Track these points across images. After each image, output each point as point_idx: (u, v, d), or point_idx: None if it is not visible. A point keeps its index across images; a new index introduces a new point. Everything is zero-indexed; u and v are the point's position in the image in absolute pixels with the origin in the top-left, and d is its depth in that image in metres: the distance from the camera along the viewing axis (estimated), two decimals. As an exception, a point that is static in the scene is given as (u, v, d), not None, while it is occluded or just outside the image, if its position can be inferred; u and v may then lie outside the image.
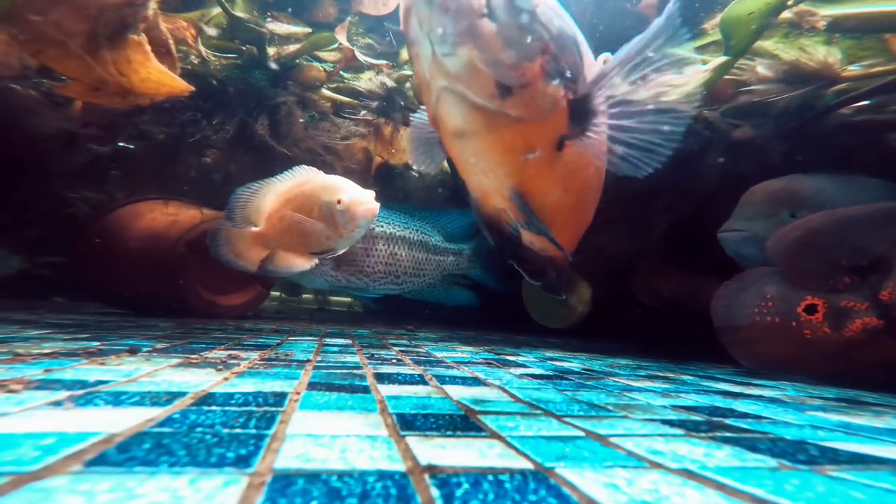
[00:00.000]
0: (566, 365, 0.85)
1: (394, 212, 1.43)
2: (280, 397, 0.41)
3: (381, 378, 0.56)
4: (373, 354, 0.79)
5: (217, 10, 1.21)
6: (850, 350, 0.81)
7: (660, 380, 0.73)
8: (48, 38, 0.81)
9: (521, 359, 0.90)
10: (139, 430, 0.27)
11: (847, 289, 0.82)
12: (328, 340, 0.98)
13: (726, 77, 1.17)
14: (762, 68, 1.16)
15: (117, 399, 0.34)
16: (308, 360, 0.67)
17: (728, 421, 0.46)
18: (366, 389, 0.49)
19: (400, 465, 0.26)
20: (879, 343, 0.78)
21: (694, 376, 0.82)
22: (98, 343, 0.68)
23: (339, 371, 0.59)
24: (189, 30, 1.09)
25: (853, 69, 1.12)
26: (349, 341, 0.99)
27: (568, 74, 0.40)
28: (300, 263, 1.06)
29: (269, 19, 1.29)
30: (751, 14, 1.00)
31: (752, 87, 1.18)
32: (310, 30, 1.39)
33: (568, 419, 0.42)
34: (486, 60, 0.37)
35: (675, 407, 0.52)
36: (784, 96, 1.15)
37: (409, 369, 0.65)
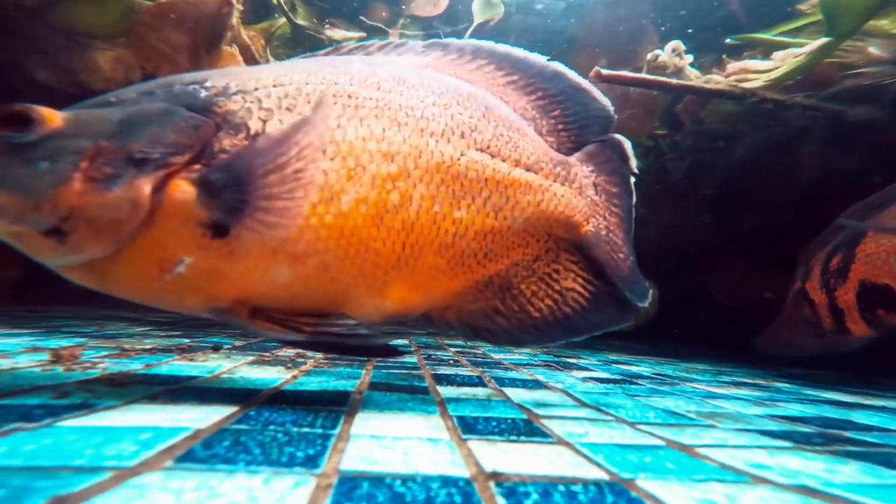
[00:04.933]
0: (633, 369, 0.79)
1: None
2: (344, 396, 0.42)
3: (439, 379, 0.56)
4: (430, 355, 0.79)
5: (282, 21, 1.29)
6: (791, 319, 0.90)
7: (748, 387, 0.65)
8: (162, 54, 0.91)
9: (582, 362, 0.85)
10: (221, 426, 0.29)
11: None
12: (386, 341, 1.00)
13: (826, 60, 1.01)
14: (875, 48, 0.99)
15: (203, 395, 0.37)
16: (368, 360, 0.68)
17: (848, 434, 0.40)
18: (425, 391, 0.49)
19: (463, 471, 0.25)
20: (800, 305, 0.87)
21: (791, 384, 0.72)
22: (188, 340, 0.75)
23: (398, 371, 0.60)
24: (259, 40, 1.18)
25: None
26: (406, 341, 1.01)
27: (157, 155, 0.32)
28: None
29: (327, 26, 1.36)
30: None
31: (861, 70, 1.00)
32: (364, 34, 1.44)
33: (643, 427, 0.39)
34: (9, 220, 0.31)
35: (773, 417, 0.46)
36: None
37: (467, 371, 0.64)
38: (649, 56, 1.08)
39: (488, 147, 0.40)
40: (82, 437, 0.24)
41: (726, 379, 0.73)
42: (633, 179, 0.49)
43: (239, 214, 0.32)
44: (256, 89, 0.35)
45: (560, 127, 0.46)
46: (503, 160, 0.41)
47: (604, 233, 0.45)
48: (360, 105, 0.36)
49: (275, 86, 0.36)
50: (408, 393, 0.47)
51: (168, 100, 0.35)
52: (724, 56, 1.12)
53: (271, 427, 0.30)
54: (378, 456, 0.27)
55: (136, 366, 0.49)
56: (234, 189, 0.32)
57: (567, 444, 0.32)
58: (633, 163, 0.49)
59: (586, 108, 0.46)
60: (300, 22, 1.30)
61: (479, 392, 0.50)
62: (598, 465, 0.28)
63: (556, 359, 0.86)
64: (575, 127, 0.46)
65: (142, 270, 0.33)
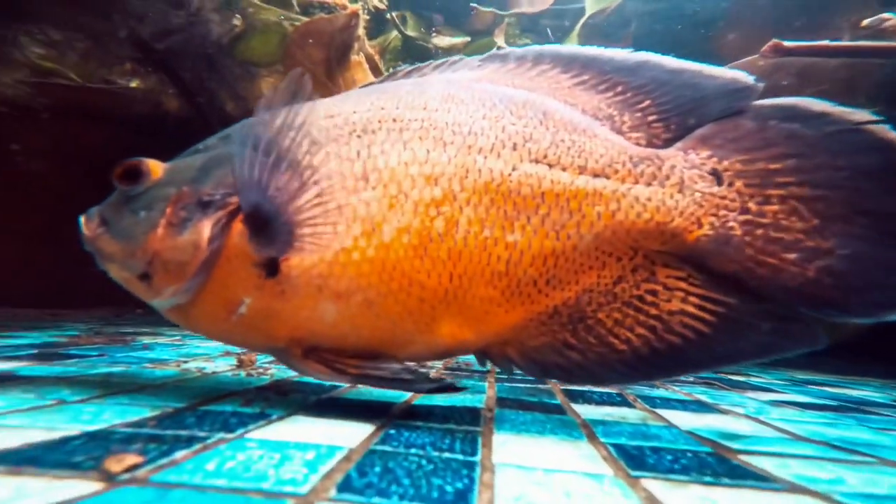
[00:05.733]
0: (851, 392, 0.60)
1: None
2: (474, 415, 0.40)
3: (572, 396, 0.50)
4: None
5: (394, 34, 1.39)
6: None
7: None
8: (305, 69, 1.03)
9: (754, 379, 0.69)
10: (368, 446, 0.29)
11: None
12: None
13: None
14: None
15: (345, 407, 0.38)
16: (488, 371, 0.65)
17: None
18: (560, 409, 0.44)
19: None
20: None
21: None
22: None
23: (522, 385, 0.55)
24: (375, 54, 1.28)
25: None
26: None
27: (218, 197, 0.33)
28: None
29: (433, 34, 1.42)
30: None
31: None
32: (469, 38, 1.45)
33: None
34: (119, 266, 0.35)
35: None
36: None
37: (600, 386, 0.56)
38: (866, 22, 0.86)
39: (545, 156, 0.36)
40: (265, 452, 0.26)
41: None
42: (855, 131, 0.34)
43: (278, 247, 0.33)
44: (309, 123, 0.36)
45: (652, 118, 0.38)
46: (564, 169, 0.36)
47: (739, 232, 0.34)
48: (405, 128, 0.35)
49: (325, 118, 0.36)
50: (541, 412, 0.42)
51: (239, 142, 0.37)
52: None
53: (413, 450, 0.29)
54: (535, 496, 0.23)
55: (291, 372, 0.54)
56: (267, 221, 0.32)
57: (816, 495, 0.23)
58: (843, 111, 0.35)
59: (694, 88, 0.38)
60: (409, 33, 1.38)
61: (628, 413, 0.43)
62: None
63: (714, 375, 0.71)
64: (676, 113, 0.38)
65: (212, 312, 0.35)
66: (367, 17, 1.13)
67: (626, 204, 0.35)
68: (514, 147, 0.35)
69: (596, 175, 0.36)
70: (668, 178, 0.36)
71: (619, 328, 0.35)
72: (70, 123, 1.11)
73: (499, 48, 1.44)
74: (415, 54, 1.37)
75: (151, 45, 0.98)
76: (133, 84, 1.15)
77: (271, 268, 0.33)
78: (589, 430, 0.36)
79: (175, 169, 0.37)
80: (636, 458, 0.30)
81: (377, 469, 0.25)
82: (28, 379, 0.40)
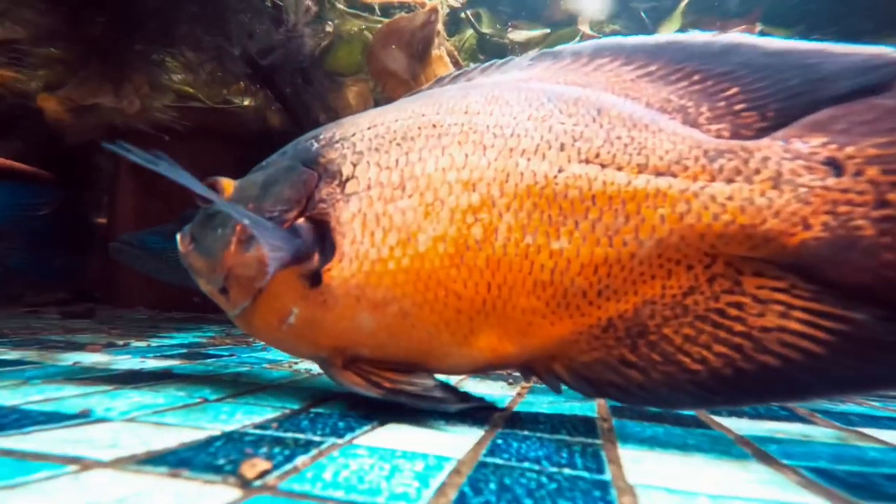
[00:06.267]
0: None
1: None
2: (588, 424, 0.36)
3: (709, 405, 0.43)
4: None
5: (470, 33, 1.37)
6: None
7: None
8: (388, 70, 1.04)
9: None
10: (477, 457, 0.27)
11: None
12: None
13: None
14: None
15: (445, 413, 0.36)
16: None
17: None
18: (699, 422, 0.38)
19: None
20: None
21: None
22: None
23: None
24: (453, 53, 1.28)
25: None
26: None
27: (276, 213, 0.35)
28: None
29: (509, 29, 1.36)
30: None
31: None
32: (548, 30, 1.37)
33: None
34: (205, 280, 0.39)
35: None
36: None
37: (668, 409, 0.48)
38: None
39: (597, 156, 0.33)
40: (375, 461, 0.26)
41: None
42: None
43: (318, 258, 0.34)
44: (354, 134, 0.36)
45: (741, 107, 0.33)
46: (619, 168, 0.32)
47: (872, 232, 0.28)
48: (444, 133, 0.34)
49: (369, 128, 0.36)
50: (674, 425, 0.37)
51: (293, 157, 0.38)
52: None
53: (527, 464, 0.26)
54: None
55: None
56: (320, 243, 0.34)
57: None
58: None
59: (807, 70, 0.32)
60: (484, 30, 1.35)
61: (809, 431, 0.37)
62: None
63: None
64: (775, 99, 0.32)
65: (267, 321, 0.37)
66: (446, 13, 1.11)
67: (697, 205, 0.31)
68: (562, 147, 0.33)
69: (659, 173, 0.32)
70: (757, 172, 0.30)
71: (692, 345, 0.31)
72: (199, 143, 1.29)
73: (583, 38, 1.30)
74: (491, 51, 1.32)
75: (257, 61, 1.08)
76: (245, 102, 1.30)
77: (315, 278, 0.34)
78: (755, 449, 0.31)
79: (242, 187, 0.39)
80: (864, 488, 0.24)
81: (492, 486, 0.23)
82: (181, 377, 0.46)
